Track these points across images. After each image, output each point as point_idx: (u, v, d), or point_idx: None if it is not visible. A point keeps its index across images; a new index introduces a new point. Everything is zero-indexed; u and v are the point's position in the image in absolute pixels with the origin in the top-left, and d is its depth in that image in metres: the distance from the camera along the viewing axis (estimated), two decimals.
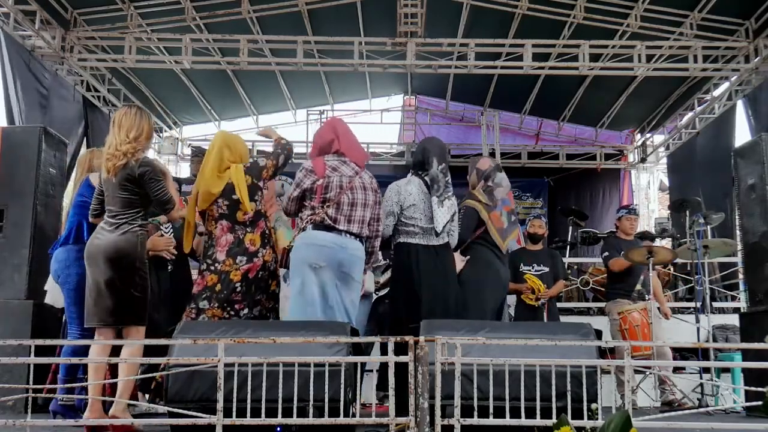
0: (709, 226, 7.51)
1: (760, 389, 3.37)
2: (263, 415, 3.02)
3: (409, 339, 3.02)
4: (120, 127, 3.84)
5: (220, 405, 2.99)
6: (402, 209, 4.37)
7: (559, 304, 7.23)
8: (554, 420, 2.96)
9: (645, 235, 8.28)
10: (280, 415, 3.01)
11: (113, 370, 4.14)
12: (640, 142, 12.69)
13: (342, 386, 3.11)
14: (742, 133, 9.14)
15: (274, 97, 11.59)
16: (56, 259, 4.24)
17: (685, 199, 8.71)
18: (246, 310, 4.03)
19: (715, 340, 6.95)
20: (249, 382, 3.03)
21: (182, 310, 4.15)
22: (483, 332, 3.38)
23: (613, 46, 8.88)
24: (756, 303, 5.61)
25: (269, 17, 9.05)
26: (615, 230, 7.05)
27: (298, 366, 3.08)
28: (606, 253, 6.55)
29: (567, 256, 9.33)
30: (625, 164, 12.96)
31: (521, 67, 8.94)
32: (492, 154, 11.30)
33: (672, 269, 8.77)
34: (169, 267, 5.04)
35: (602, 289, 8.34)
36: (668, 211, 11.11)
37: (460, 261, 4.73)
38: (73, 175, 4.50)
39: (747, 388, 4.39)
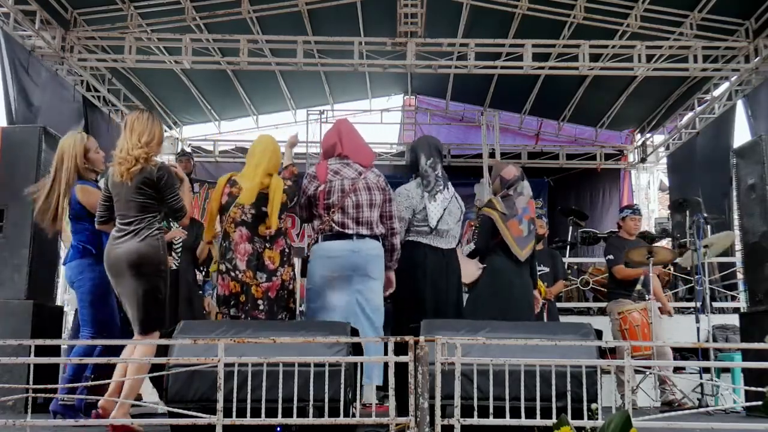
0: (709, 226, 7.50)
1: (760, 389, 3.37)
2: (263, 415, 3.02)
3: (409, 339, 3.03)
4: (132, 132, 3.84)
5: (220, 405, 2.99)
6: (415, 213, 4.37)
7: (559, 304, 7.24)
8: (554, 420, 2.96)
9: (645, 235, 8.29)
10: (280, 415, 3.01)
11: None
12: (640, 142, 12.69)
13: (342, 386, 3.11)
14: (742, 133, 9.15)
15: (274, 97, 11.58)
16: (69, 268, 4.26)
17: (685, 199, 8.72)
18: None
19: (715, 340, 6.95)
20: (249, 382, 3.03)
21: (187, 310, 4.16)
22: (483, 332, 3.38)
23: (613, 46, 8.88)
24: (756, 303, 5.61)
25: (269, 17, 9.04)
26: (617, 230, 7.03)
27: (298, 366, 3.08)
28: (610, 256, 6.50)
29: (567, 256, 9.33)
30: (625, 164, 12.96)
31: (521, 67, 8.94)
32: (492, 155, 11.31)
33: (672, 269, 8.77)
34: (172, 266, 5.05)
35: (602, 289, 8.35)
36: (668, 211, 11.11)
37: (476, 268, 4.72)
38: (58, 161, 4.23)
39: (747, 388, 4.40)
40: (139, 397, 4.37)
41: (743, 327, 5.89)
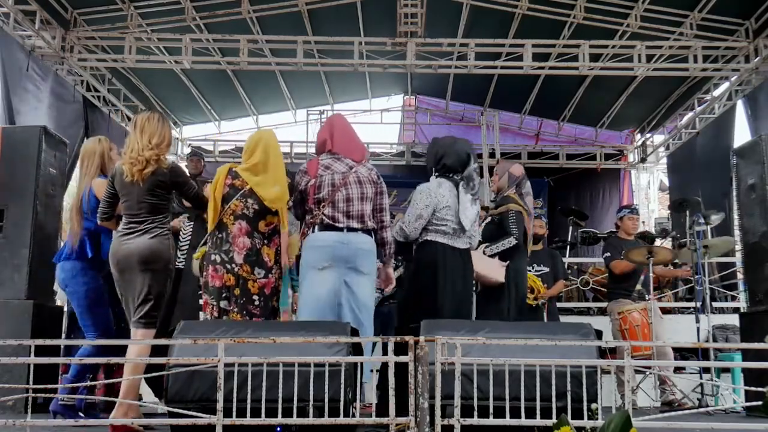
0: (709, 226, 7.50)
1: (760, 389, 3.37)
2: (263, 415, 3.02)
3: (409, 339, 3.02)
4: (142, 133, 3.88)
5: (220, 405, 2.99)
6: (435, 211, 4.32)
7: (559, 304, 7.23)
8: (554, 420, 2.96)
9: (645, 235, 8.28)
10: (280, 415, 3.01)
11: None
12: (640, 142, 12.69)
13: (342, 386, 3.11)
14: (742, 133, 9.15)
15: (274, 97, 11.59)
16: (62, 269, 4.26)
17: (685, 199, 8.70)
18: None
19: (715, 340, 6.95)
20: (249, 382, 3.03)
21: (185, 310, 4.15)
22: (483, 332, 3.37)
23: (613, 46, 8.88)
24: (756, 303, 5.61)
25: (269, 17, 9.05)
26: (616, 230, 7.04)
27: (298, 366, 3.08)
28: (608, 254, 6.54)
29: (567, 256, 9.33)
30: (625, 164, 12.97)
31: (521, 67, 8.95)
32: (492, 154, 11.32)
33: (672, 269, 8.76)
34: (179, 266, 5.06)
35: (602, 289, 8.34)
36: (668, 211, 11.11)
37: (499, 266, 4.72)
38: (80, 167, 4.37)
39: (747, 388, 4.39)
40: (139, 397, 4.37)
41: (743, 327, 5.89)
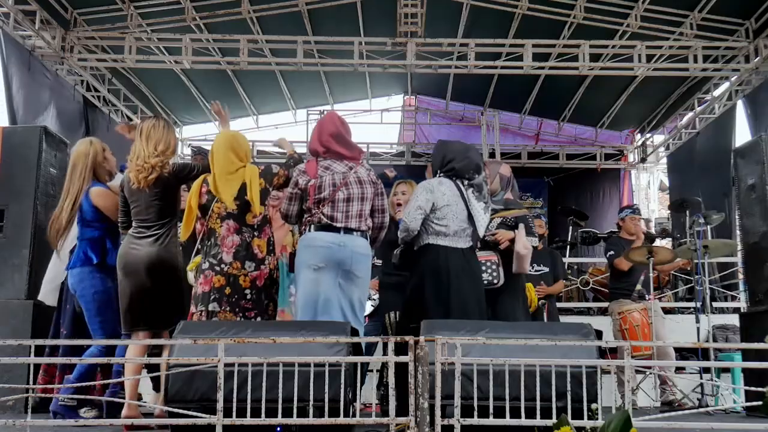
0: (709, 226, 7.50)
1: (760, 389, 3.37)
2: (263, 415, 3.02)
3: (409, 339, 3.02)
4: (148, 140, 3.94)
5: (220, 405, 2.99)
6: (435, 208, 4.27)
7: (559, 304, 7.23)
8: (554, 420, 2.96)
9: (645, 236, 8.28)
10: (280, 415, 3.01)
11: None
12: (640, 142, 12.69)
13: (342, 386, 3.11)
14: (742, 133, 9.16)
15: (274, 97, 11.59)
16: (71, 275, 4.30)
17: (685, 199, 8.71)
18: (258, 318, 3.99)
19: (715, 340, 6.95)
20: (249, 382, 3.03)
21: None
22: (483, 332, 3.37)
23: (613, 46, 8.88)
24: (756, 303, 5.61)
25: (269, 17, 9.05)
26: (617, 230, 7.03)
27: (298, 366, 3.08)
28: (611, 252, 6.54)
29: (567, 256, 9.33)
30: (625, 164, 12.97)
31: (521, 67, 8.95)
32: (492, 154, 11.31)
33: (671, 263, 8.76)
34: None
35: (602, 289, 8.35)
36: (668, 211, 11.11)
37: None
38: (71, 171, 4.33)
39: (747, 388, 4.39)
40: (139, 397, 4.38)
41: (743, 327, 5.89)
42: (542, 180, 12.70)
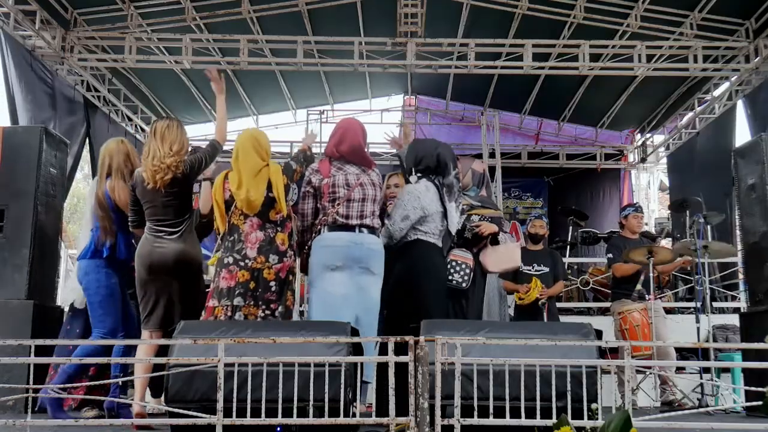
0: (709, 227, 7.50)
1: (760, 389, 3.37)
2: (263, 415, 3.02)
3: (409, 339, 3.03)
4: (163, 140, 3.98)
5: (220, 405, 2.99)
6: (425, 217, 4.28)
7: (559, 304, 7.24)
8: (554, 420, 2.96)
9: (645, 236, 8.27)
10: (280, 415, 3.01)
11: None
12: (640, 142, 12.69)
13: (342, 386, 3.11)
14: (742, 133, 9.16)
15: (274, 97, 11.59)
16: (80, 266, 4.33)
17: (685, 199, 8.71)
18: (281, 308, 4.05)
19: (715, 340, 6.95)
20: (249, 382, 3.03)
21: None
22: (483, 332, 3.37)
23: (613, 46, 8.88)
24: (756, 303, 5.61)
25: (269, 17, 9.05)
26: (620, 229, 7.02)
27: (298, 366, 3.08)
28: (610, 255, 6.51)
29: (567, 256, 9.33)
30: (625, 164, 12.97)
31: (521, 67, 8.95)
32: (492, 155, 11.32)
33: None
34: None
35: (602, 289, 8.35)
36: (668, 211, 11.11)
37: (514, 249, 4.81)
38: (101, 166, 4.37)
39: (747, 388, 4.39)
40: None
41: (743, 327, 5.89)
42: (542, 180, 12.70)
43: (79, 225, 4.72)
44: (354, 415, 3.20)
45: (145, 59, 8.95)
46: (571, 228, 9.92)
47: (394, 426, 3.02)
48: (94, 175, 7.90)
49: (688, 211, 8.18)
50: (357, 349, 3.45)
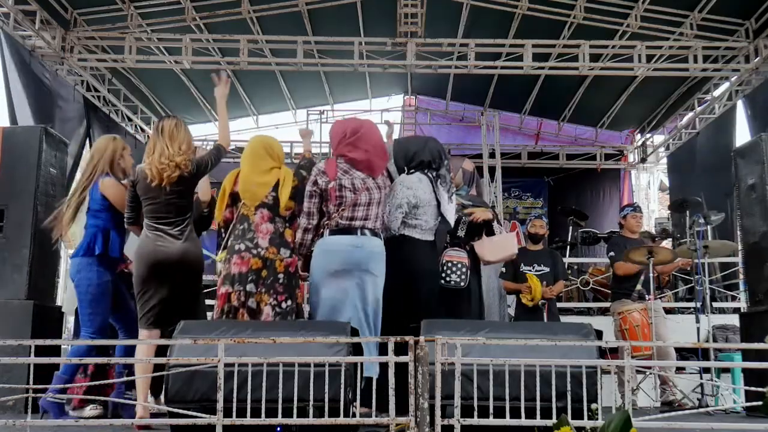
0: (709, 226, 7.50)
1: (760, 389, 3.37)
2: (263, 415, 3.02)
3: (409, 339, 3.02)
4: (172, 139, 4.02)
5: (220, 405, 2.99)
6: (416, 207, 4.30)
7: (559, 304, 7.23)
8: (554, 420, 2.96)
9: (645, 235, 8.28)
10: (280, 415, 3.01)
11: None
12: (640, 142, 12.69)
13: (342, 386, 3.11)
14: (742, 133, 9.16)
15: (274, 97, 11.58)
16: (72, 264, 4.32)
17: (685, 199, 8.71)
18: (289, 302, 4.08)
19: (715, 340, 6.95)
20: (249, 382, 3.03)
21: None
22: (483, 332, 3.37)
23: (613, 46, 8.88)
24: (756, 303, 5.61)
25: (269, 17, 9.05)
26: (619, 229, 7.02)
27: (298, 366, 3.08)
28: (612, 253, 6.52)
29: (567, 256, 9.33)
30: (625, 164, 12.97)
31: (521, 67, 8.95)
32: (492, 155, 11.32)
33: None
34: None
35: (602, 289, 8.35)
36: (668, 211, 11.11)
37: (509, 239, 4.86)
38: (89, 162, 4.39)
39: (747, 388, 4.39)
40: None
41: (743, 327, 5.89)
42: (542, 180, 12.71)
43: (80, 225, 4.68)
44: (354, 415, 3.20)
45: (145, 59, 8.95)
46: (571, 228, 9.91)
47: (394, 426, 3.02)
48: None
49: (688, 211, 8.18)
50: (357, 349, 3.46)
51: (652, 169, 12.86)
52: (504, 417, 3.04)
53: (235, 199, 4.20)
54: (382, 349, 3.18)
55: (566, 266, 7.75)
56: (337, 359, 3.14)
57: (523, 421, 3.04)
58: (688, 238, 6.86)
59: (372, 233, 4.13)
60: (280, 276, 4.07)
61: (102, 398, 4.17)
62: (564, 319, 7.18)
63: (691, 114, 10.94)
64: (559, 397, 3.11)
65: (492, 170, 11.31)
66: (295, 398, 3.04)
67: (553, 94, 11.10)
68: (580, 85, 10.68)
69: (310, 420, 3.05)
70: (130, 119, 10.94)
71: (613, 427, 2.73)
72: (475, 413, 3.06)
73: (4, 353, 3.56)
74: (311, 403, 3.06)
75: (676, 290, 8.81)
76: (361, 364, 3.29)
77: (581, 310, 8.71)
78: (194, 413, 3.02)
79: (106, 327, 4.22)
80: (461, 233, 4.77)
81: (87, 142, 9.26)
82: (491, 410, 3.08)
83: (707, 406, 5.32)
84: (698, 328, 5.84)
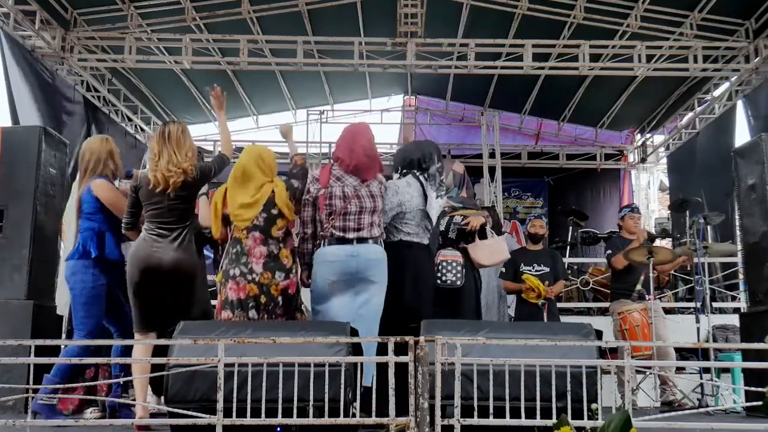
0: (709, 226, 7.49)
1: (760, 389, 3.37)
2: (263, 415, 3.02)
3: (409, 339, 3.02)
4: (179, 146, 4.02)
5: (220, 405, 2.99)
6: (405, 211, 4.32)
7: (559, 304, 7.23)
8: (554, 420, 2.96)
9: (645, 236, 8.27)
10: (280, 415, 3.01)
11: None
12: (640, 142, 12.70)
13: (342, 386, 3.11)
14: (742, 133, 9.16)
15: (274, 97, 11.59)
16: (67, 266, 4.32)
17: (685, 199, 8.70)
18: None
19: (715, 340, 6.95)
20: (249, 382, 3.03)
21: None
22: (483, 332, 3.37)
23: (613, 46, 8.88)
24: (756, 303, 5.61)
25: (269, 17, 9.05)
26: (618, 230, 7.02)
27: (298, 366, 3.08)
28: (609, 252, 6.55)
29: (567, 256, 9.33)
30: (625, 164, 12.98)
31: (521, 67, 8.95)
32: (492, 155, 11.32)
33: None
34: None
35: (602, 289, 8.34)
36: (668, 211, 11.11)
37: (500, 242, 4.87)
38: (81, 164, 4.38)
39: (747, 388, 4.39)
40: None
41: (743, 327, 5.89)
42: (542, 180, 12.71)
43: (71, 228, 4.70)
44: (354, 415, 3.20)
45: (145, 59, 8.95)
46: (571, 228, 9.91)
47: (394, 426, 3.02)
48: None
49: (688, 211, 8.17)
50: (357, 350, 3.46)
51: (652, 169, 12.86)
52: (504, 417, 3.04)
53: (227, 219, 4.15)
54: (382, 350, 3.18)
55: (566, 266, 7.75)
56: (337, 359, 3.14)
57: (523, 421, 3.04)
58: (688, 238, 6.86)
59: (369, 241, 4.10)
60: (279, 299, 4.04)
61: (101, 398, 4.17)
62: (564, 319, 7.18)
63: (691, 114, 10.94)
64: (559, 397, 3.11)
65: (492, 170, 11.30)
66: (295, 398, 3.04)
67: (553, 94, 11.10)
68: (580, 85, 10.68)
69: (310, 420, 3.05)
70: (130, 119, 10.93)
71: (613, 427, 2.73)
72: (475, 413, 3.06)
73: (4, 353, 3.55)
74: (311, 403, 3.06)
75: (676, 290, 8.81)
76: (361, 365, 3.29)
77: (581, 310, 8.71)
78: (194, 413, 3.02)
79: (99, 330, 4.20)
80: (452, 235, 4.79)
81: None
82: (491, 410, 3.08)
83: (707, 406, 5.32)
84: (698, 328, 5.83)
